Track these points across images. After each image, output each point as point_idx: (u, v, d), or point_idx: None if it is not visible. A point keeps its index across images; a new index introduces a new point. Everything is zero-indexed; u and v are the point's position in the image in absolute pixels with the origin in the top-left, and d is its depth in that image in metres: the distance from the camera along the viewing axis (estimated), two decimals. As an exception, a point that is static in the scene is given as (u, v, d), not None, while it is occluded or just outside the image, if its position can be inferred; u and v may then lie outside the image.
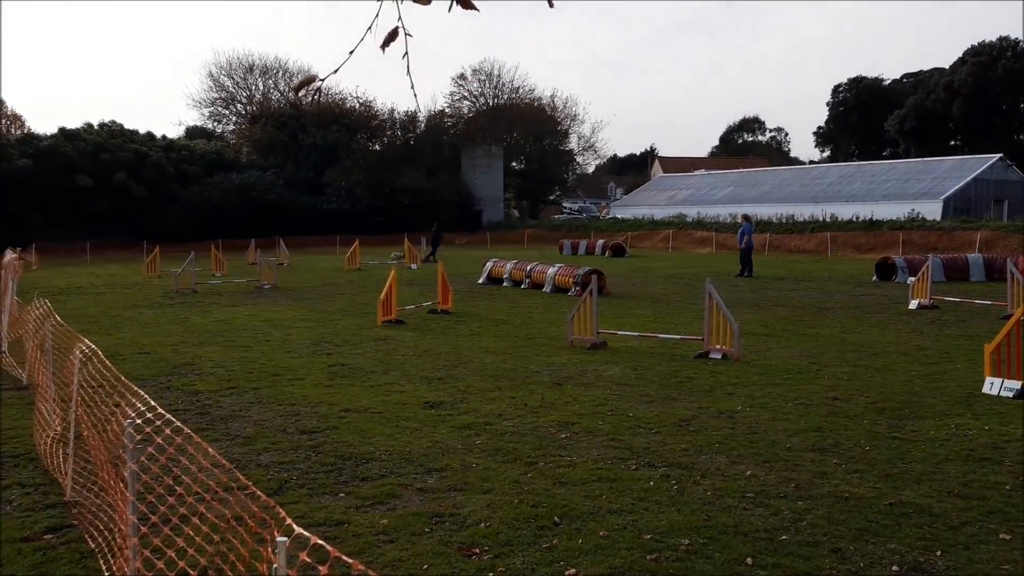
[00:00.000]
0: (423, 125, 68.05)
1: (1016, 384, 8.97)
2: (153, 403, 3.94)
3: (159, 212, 47.79)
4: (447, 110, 72.97)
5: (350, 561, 2.12)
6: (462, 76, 74.01)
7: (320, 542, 2.25)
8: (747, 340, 12.21)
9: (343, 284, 24.77)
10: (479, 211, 62.61)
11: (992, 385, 9.19)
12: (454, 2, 1.93)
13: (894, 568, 4.75)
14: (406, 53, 2.02)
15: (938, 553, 4.95)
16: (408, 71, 2.11)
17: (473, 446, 7.29)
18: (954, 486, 6.13)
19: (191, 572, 3.43)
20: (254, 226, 45.12)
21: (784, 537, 5.18)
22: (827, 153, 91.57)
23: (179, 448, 3.77)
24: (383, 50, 2.01)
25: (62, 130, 50.09)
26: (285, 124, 60.13)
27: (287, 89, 68.88)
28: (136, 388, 4.46)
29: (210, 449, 3.48)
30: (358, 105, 64.71)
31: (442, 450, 7.17)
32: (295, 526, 2.40)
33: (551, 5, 2.07)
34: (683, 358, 11.58)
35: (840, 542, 5.11)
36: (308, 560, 2.15)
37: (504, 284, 23.45)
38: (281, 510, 2.66)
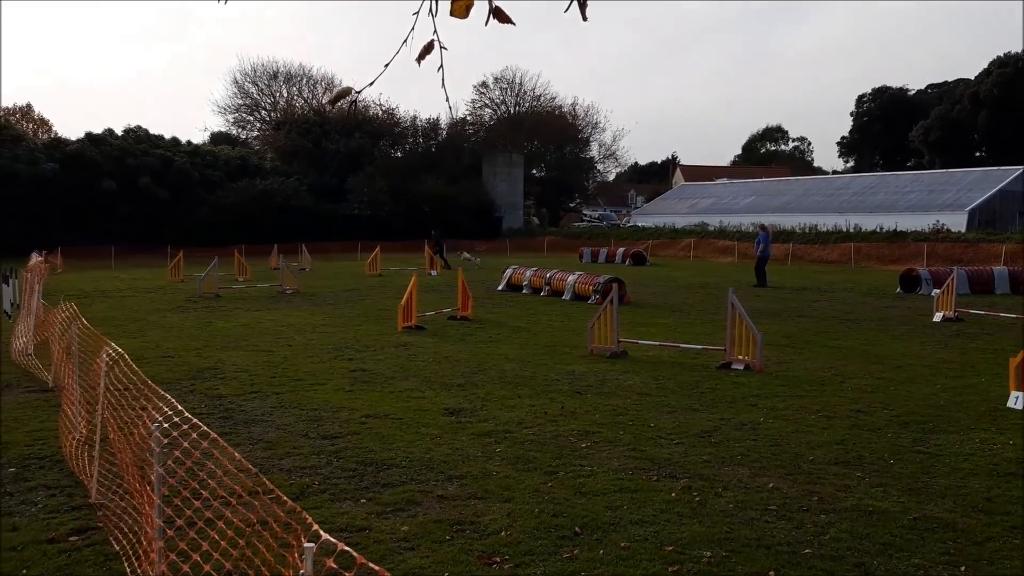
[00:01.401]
0: (445, 133, 68.28)
1: (1043, 399, 8.87)
2: (180, 407, 3.98)
3: (183, 217, 48.19)
4: (468, 118, 73.21)
5: (376, 568, 2.13)
6: (484, 84, 74.20)
7: (346, 548, 2.26)
8: (770, 351, 12.14)
9: (364, 290, 24.87)
10: (499, 218, 62.67)
11: (1017, 399, 9.08)
12: (491, 16, 1.94)
13: (919, 584, 4.71)
14: (441, 66, 2.04)
15: (962, 568, 4.90)
16: (443, 84, 2.13)
17: (493, 454, 7.30)
18: (978, 501, 6.07)
19: (214, 575, 3.46)
20: (277, 231, 45.42)
21: (807, 551, 5.14)
22: (851, 163, 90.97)
23: (204, 452, 3.81)
24: (419, 63, 2.03)
25: (88, 135, 50.65)
26: (309, 131, 60.52)
27: (311, 96, 69.46)
28: (162, 392, 4.50)
29: (235, 454, 3.51)
30: (381, 112, 65.08)
31: (462, 457, 7.18)
32: (321, 532, 2.42)
33: (584, 19, 2.07)
34: (705, 368, 11.53)
35: (864, 556, 5.06)
36: (334, 566, 2.16)
37: (524, 291, 23.44)
38: (307, 515, 2.68)
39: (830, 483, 6.47)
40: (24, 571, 4.80)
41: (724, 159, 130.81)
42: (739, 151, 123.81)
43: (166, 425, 3.78)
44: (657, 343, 13.15)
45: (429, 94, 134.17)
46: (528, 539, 5.32)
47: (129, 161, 48.42)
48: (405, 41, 1.98)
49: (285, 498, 2.97)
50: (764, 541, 5.29)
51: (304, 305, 20.31)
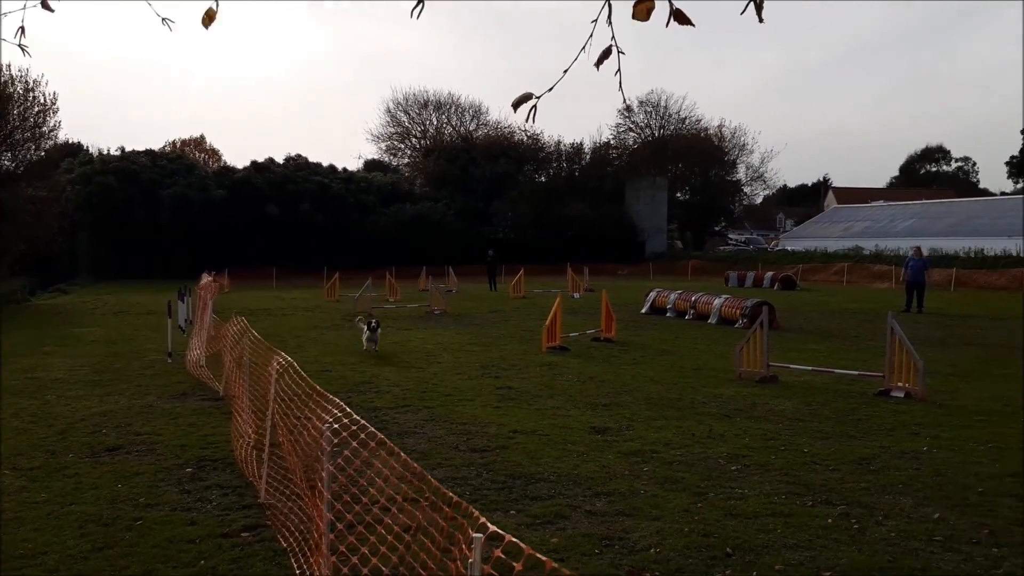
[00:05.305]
0: (588, 157, 68.61)
1: None
2: (348, 410, 4.22)
3: (339, 240, 50.50)
4: (612, 142, 73.23)
5: (543, 559, 2.21)
6: (628, 108, 74.00)
7: (514, 539, 2.35)
8: (932, 379, 11.51)
9: (508, 311, 25.26)
10: (642, 242, 62.30)
11: None
12: (671, 18, 2.02)
13: (1107, 627, 4.36)
14: (619, 70, 2.13)
15: None
16: (620, 86, 2.23)
17: (640, 472, 7.27)
18: None
19: (383, 569, 3.63)
20: (426, 254, 46.85)
21: (978, 585, 4.86)
22: (1021, 184, 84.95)
23: (372, 452, 4.01)
24: (597, 67, 2.13)
25: (254, 163, 54.11)
26: (456, 157, 62.27)
27: (459, 123, 71.43)
28: (331, 396, 4.78)
29: (402, 454, 3.70)
30: (526, 138, 66.16)
31: (609, 475, 7.19)
32: (489, 524, 2.52)
33: (760, 20, 2.11)
34: (861, 395, 11.06)
35: (1042, 595, 4.74)
36: (502, 556, 2.25)
37: (668, 315, 23.18)
38: (474, 509, 2.80)
39: (1002, 516, 6.08)
40: (201, 562, 5.18)
41: (880, 181, 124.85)
42: (896, 172, 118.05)
43: (336, 426, 4.02)
44: (810, 368, 12.71)
45: (573, 119, 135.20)
46: (678, 557, 5.28)
47: (290, 187, 51.30)
48: (584, 48, 2.09)
49: (451, 495, 3.11)
50: (929, 571, 5.05)
51: (451, 325, 20.85)
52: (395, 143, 73.36)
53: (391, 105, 72.39)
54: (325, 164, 58.33)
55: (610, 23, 2.06)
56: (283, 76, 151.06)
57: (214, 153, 76.10)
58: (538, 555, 2.28)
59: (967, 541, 5.57)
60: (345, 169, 59.67)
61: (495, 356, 14.97)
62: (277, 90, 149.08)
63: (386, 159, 72.54)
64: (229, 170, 54.82)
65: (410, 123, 72.64)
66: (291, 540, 5.27)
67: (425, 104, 71.51)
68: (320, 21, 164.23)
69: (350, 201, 53.29)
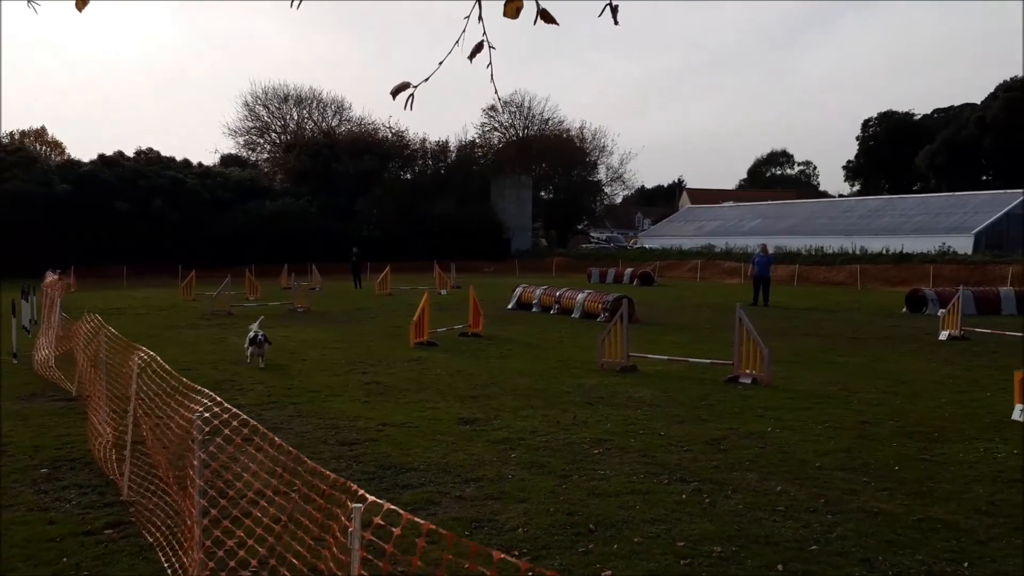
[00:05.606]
0: (454, 155, 68.86)
1: (1046, 411, 9.03)
2: (219, 399, 4.21)
3: (194, 237, 48.64)
4: (477, 140, 73.79)
5: (421, 522, 2.34)
6: (493, 108, 74.69)
7: (393, 507, 2.47)
8: (777, 367, 12.32)
9: (375, 308, 25.12)
10: (508, 239, 63.13)
11: (1022, 412, 9.24)
12: (538, 16, 2.20)
13: (922, 577, 4.89)
14: (490, 63, 2.30)
15: (965, 564, 5.08)
16: (492, 78, 2.40)
17: (508, 459, 7.50)
18: (982, 505, 6.24)
19: (257, 553, 3.66)
20: (287, 252, 45.75)
21: (814, 547, 5.33)
22: (856, 187, 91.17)
23: (245, 439, 4.02)
24: (470, 60, 2.29)
25: (101, 156, 51.31)
26: (318, 153, 61.05)
27: (320, 119, 70.07)
28: (198, 387, 4.74)
29: (276, 438, 3.74)
30: (390, 135, 65.69)
31: (478, 462, 7.38)
32: (368, 495, 2.63)
33: (616, 23, 2.32)
34: (713, 382, 11.72)
35: (869, 553, 5.25)
36: (381, 523, 2.36)
37: (533, 310, 23.68)
38: (352, 484, 2.90)
39: (836, 487, 6.66)
40: (64, 559, 5.02)
41: (730, 183, 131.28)
42: (745, 175, 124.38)
43: (207, 415, 4.01)
44: (666, 357, 13.35)
45: (438, 117, 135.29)
46: (544, 535, 5.52)
47: (141, 182, 49.00)
48: (457, 42, 2.24)
49: (328, 473, 3.19)
50: (772, 538, 5.48)
51: (315, 323, 20.57)
52: (254, 138, 71.14)
53: (249, 99, 70.18)
54: (179, 159, 56.08)
55: (481, 21, 2.23)
56: (132, 66, 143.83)
57: (57, 145, 71.79)
58: (417, 519, 2.41)
59: (805, 510, 6.08)
60: (201, 164, 57.49)
61: (362, 352, 14.92)
62: (125, 80, 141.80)
63: (244, 154, 70.25)
64: (74, 164, 51.69)
65: (269, 117, 70.64)
66: (157, 535, 5.17)
67: (285, 98, 69.72)
68: (172, 8, 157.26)
69: (206, 197, 51.38)
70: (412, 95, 2.40)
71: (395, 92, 2.42)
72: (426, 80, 2.42)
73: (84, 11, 2.76)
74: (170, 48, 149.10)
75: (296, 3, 2.62)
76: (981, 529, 5.70)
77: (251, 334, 13.56)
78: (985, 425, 8.98)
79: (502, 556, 2.17)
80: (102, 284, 36.39)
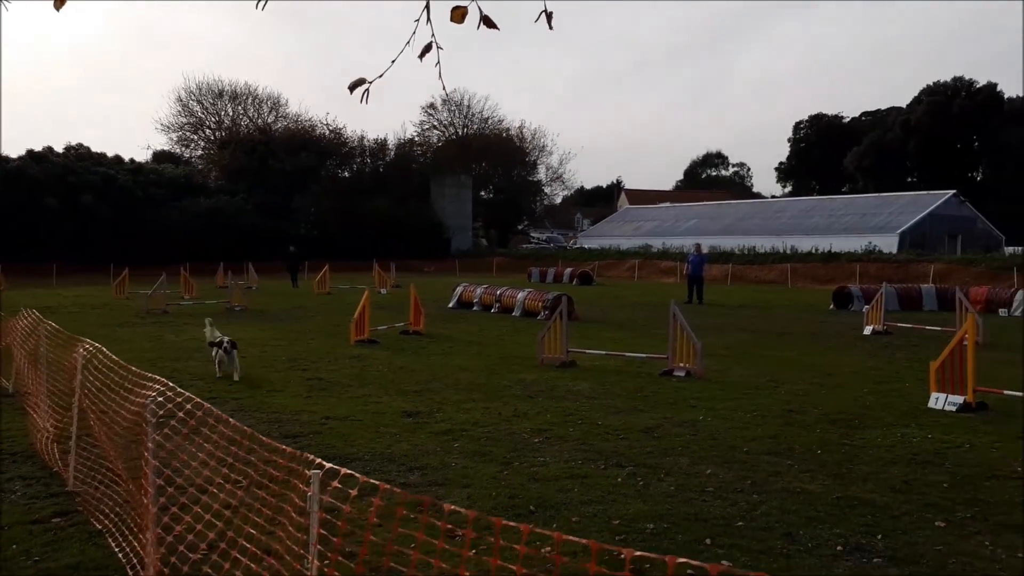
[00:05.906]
0: (393, 153, 68.64)
1: (959, 399, 9.59)
2: (171, 383, 4.33)
3: (126, 235, 47.63)
4: (416, 139, 73.68)
5: (377, 483, 2.53)
6: (432, 105, 74.73)
7: (351, 472, 2.66)
8: (709, 361, 12.76)
9: (313, 307, 25.06)
10: (448, 239, 63.24)
11: (937, 400, 9.80)
12: (481, 22, 2.43)
13: (838, 548, 5.25)
14: (438, 62, 2.52)
15: (879, 537, 5.46)
16: (440, 75, 2.61)
17: (451, 449, 7.71)
18: (897, 484, 6.66)
19: (217, 523, 3.80)
20: (222, 250, 45.13)
21: (740, 523, 5.66)
22: (788, 188, 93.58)
23: (200, 420, 4.15)
24: (420, 59, 2.50)
25: (29, 152, 49.89)
26: (254, 149, 60.26)
27: (256, 115, 69.18)
28: (147, 374, 4.84)
29: (231, 420, 3.88)
30: (328, 132, 65.19)
31: (422, 452, 7.58)
32: (324, 463, 2.81)
33: (550, 28, 2.56)
34: (648, 375, 12.10)
35: (791, 527, 5.60)
36: (339, 486, 2.55)
37: (474, 308, 23.90)
38: (309, 455, 3.07)
39: (762, 469, 7.03)
40: (13, 546, 5.07)
41: (667, 184, 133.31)
42: (681, 176, 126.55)
43: (160, 399, 4.13)
44: (604, 353, 13.70)
45: (375, 115, 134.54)
46: (487, 517, 5.73)
47: (71, 179, 47.83)
48: (408, 43, 2.46)
49: (284, 447, 3.36)
50: (701, 516, 5.81)
51: (254, 321, 20.45)
52: (187, 134, 69.91)
53: (183, 94, 68.95)
54: (110, 155, 54.82)
55: (429, 23, 2.45)
56: (60, 59, 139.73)
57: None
58: (373, 481, 2.60)
59: (733, 491, 6.42)
60: (133, 160, 56.35)
61: (302, 350, 14.95)
62: (53, 74, 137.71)
63: (178, 151, 68.98)
64: (1, 159, 50.18)
65: (204, 113, 69.51)
66: (106, 522, 5.25)
67: (220, 94, 68.68)
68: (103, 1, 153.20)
69: (139, 194, 50.36)
70: (367, 90, 2.60)
71: (352, 87, 2.62)
72: (380, 76, 2.62)
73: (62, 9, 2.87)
74: (101, 40, 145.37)
75: (261, 4, 2.79)
76: (895, 505, 6.11)
77: (215, 339, 12.23)
78: (903, 412, 9.49)
79: (452, 508, 2.37)
80: (31, 282, 35.45)
